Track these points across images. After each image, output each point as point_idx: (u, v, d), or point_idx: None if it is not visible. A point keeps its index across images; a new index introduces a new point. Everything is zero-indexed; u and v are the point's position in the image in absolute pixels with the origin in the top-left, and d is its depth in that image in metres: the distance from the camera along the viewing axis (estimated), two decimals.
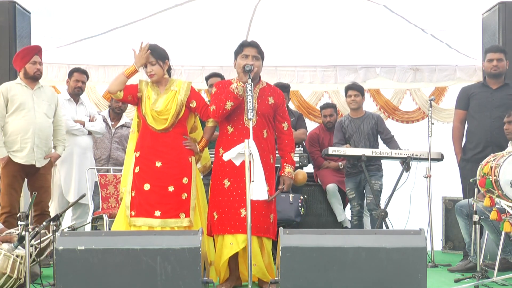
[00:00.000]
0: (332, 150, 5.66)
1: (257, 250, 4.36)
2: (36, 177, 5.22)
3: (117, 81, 4.47)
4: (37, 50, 5.22)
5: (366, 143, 5.91)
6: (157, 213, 4.35)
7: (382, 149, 5.87)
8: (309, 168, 6.43)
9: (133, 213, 4.38)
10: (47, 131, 5.24)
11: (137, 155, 4.49)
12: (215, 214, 4.44)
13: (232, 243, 4.32)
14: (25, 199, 5.82)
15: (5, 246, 4.13)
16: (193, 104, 4.54)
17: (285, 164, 4.53)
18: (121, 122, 6.38)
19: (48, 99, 5.26)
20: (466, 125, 5.49)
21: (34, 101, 5.15)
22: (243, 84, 4.31)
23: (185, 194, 4.44)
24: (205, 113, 4.56)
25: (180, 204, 4.41)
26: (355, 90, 6.00)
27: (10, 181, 5.09)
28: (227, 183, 4.41)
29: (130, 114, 6.86)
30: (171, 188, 4.40)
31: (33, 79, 5.18)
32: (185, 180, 4.46)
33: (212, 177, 4.55)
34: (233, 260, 4.41)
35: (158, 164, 4.43)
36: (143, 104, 4.48)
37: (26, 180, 5.29)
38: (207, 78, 6.17)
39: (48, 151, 5.26)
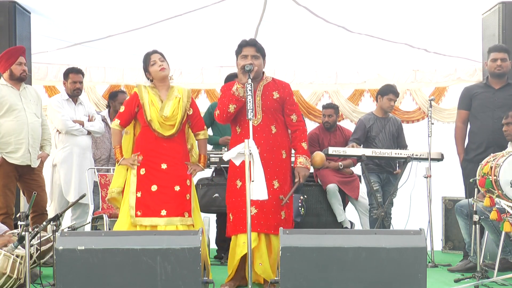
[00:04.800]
0: (332, 150, 5.67)
1: (264, 249, 4.39)
2: (32, 177, 5.22)
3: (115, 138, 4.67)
4: (22, 51, 5.20)
5: (391, 144, 6.01)
6: (163, 212, 4.42)
7: (382, 149, 5.88)
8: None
9: (139, 213, 4.43)
10: (39, 131, 5.24)
11: (140, 158, 4.53)
12: (231, 215, 4.50)
13: (245, 242, 4.33)
14: (24, 199, 5.82)
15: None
16: (190, 112, 4.61)
17: (297, 155, 4.52)
18: None
19: (34, 99, 5.27)
20: (469, 126, 5.48)
21: (22, 102, 5.14)
22: (243, 86, 4.32)
23: (188, 195, 4.52)
24: (196, 124, 4.66)
25: (184, 203, 4.49)
26: (396, 95, 6.10)
27: (5, 182, 5.08)
28: (239, 183, 4.44)
29: None
30: (177, 188, 4.48)
31: (20, 80, 5.17)
32: (188, 182, 4.54)
33: (227, 179, 4.60)
34: (241, 260, 4.42)
35: (164, 166, 4.50)
36: (147, 110, 4.49)
37: (18, 182, 5.29)
38: (235, 76, 6.10)
39: (39, 151, 5.27)
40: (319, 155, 5.24)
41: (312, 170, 6.43)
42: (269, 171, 4.38)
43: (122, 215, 4.53)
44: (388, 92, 6.06)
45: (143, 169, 4.50)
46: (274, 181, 4.42)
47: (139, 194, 4.46)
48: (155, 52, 4.59)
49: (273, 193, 4.39)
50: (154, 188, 4.45)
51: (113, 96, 6.46)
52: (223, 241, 6.17)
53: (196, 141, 4.73)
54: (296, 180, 4.47)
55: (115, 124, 4.61)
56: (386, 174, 6.03)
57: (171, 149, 4.52)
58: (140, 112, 4.54)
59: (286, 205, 4.48)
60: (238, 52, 4.46)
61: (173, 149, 4.53)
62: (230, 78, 6.06)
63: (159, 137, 4.50)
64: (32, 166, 5.16)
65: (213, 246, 6.22)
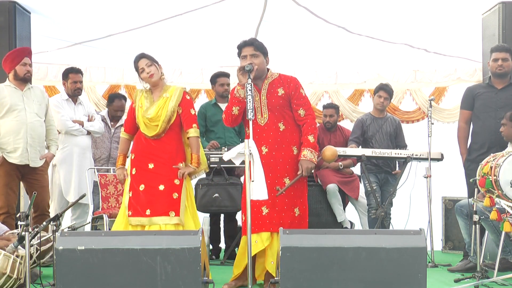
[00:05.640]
0: None
1: (276, 248, 4.36)
2: (34, 177, 5.23)
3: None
4: (27, 52, 5.25)
5: (388, 144, 6.00)
6: (148, 211, 4.48)
7: (382, 149, 5.88)
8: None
9: (130, 213, 4.51)
10: (39, 130, 5.24)
11: (132, 157, 4.64)
12: (242, 216, 4.51)
13: (256, 241, 4.35)
14: (25, 199, 5.82)
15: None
16: (180, 110, 4.61)
17: (301, 148, 4.45)
18: (121, 121, 6.38)
19: (38, 99, 5.28)
20: (472, 126, 5.47)
21: (24, 101, 5.16)
22: (242, 86, 4.33)
23: (176, 194, 4.53)
24: (185, 122, 4.62)
25: (170, 202, 4.50)
26: (386, 93, 6.07)
27: (6, 181, 5.10)
28: None
29: None
30: (161, 187, 4.51)
31: (24, 80, 5.20)
32: (176, 181, 4.54)
33: (245, 180, 4.59)
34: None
35: (151, 166, 4.56)
36: (137, 113, 4.60)
37: (21, 181, 5.31)
38: (217, 76, 6.14)
39: (42, 150, 5.27)
40: (329, 149, 5.15)
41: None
42: (279, 169, 4.40)
43: (119, 215, 4.61)
44: (378, 89, 6.09)
45: (134, 169, 4.59)
46: (285, 179, 4.42)
47: (130, 194, 4.55)
48: (141, 57, 4.60)
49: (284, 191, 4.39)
50: (142, 187, 4.53)
51: (111, 100, 6.44)
52: (216, 242, 6.19)
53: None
54: (299, 172, 4.43)
55: (122, 132, 4.77)
56: (384, 174, 6.02)
57: (158, 149, 4.56)
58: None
59: (300, 201, 4.46)
60: (238, 54, 4.48)
61: (161, 149, 4.56)
62: (213, 78, 6.10)
63: (147, 138, 4.57)
64: (31, 165, 5.16)
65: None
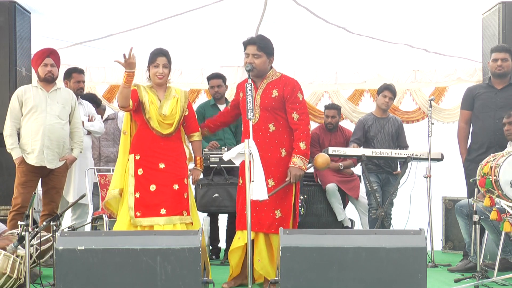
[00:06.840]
0: (332, 150, 5.66)
1: (263, 246, 4.41)
2: (50, 178, 5.24)
3: (122, 94, 4.38)
4: (49, 52, 5.24)
5: (390, 144, 5.99)
6: (163, 211, 4.45)
7: (382, 149, 5.88)
8: (309, 168, 6.43)
9: (138, 214, 4.46)
10: (59, 133, 5.21)
11: (137, 157, 4.55)
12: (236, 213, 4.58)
13: (240, 237, 4.40)
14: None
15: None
16: (186, 113, 4.66)
17: (292, 154, 4.43)
18: (104, 116, 6.38)
19: (63, 101, 5.25)
20: (471, 126, 5.47)
21: (47, 103, 5.15)
22: None
23: (186, 194, 4.57)
24: (191, 126, 4.71)
25: (183, 202, 4.53)
26: (391, 93, 6.06)
27: (24, 181, 5.12)
28: (241, 181, 4.51)
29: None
30: (176, 187, 4.52)
31: (46, 81, 5.19)
32: (185, 181, 4.59)
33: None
34: (245, 258, 4.43)
35: (162, 165, 4.53)
36: (147, 109, 4.52)
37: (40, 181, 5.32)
38: (209, 79, 6.16)
39: (62, 152, 5.24)
40: (321, 157, 4.90)
41: (312, 170, 6.45)
42: (264, 170, 4.39)
43: (121, 216, 4.55)
44: (383, 89, 6.08)
45: (141, 169, 4.53)
46: (268, 180, 4.41)
47: (137, 195, 4.49)
48: (163, 55, 4.55)
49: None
50: (153, 187, 4.49)
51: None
52: (215, 241, 6.20)
53: (190, 144, 4.78)
54: (287, 179, 4.43)
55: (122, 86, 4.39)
56: (385, 174, 6.03)
57: (168, 148, 4.56)
58: (138, 110, 4.55)
59: (284, 203, 4.46)
60: (244, 50, 4.50)
61: (170, 148, 4.57)
62: (207, 81, 6.15)
63: (157, 136, 4.53)
64: (48, 167, 5.16)
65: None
